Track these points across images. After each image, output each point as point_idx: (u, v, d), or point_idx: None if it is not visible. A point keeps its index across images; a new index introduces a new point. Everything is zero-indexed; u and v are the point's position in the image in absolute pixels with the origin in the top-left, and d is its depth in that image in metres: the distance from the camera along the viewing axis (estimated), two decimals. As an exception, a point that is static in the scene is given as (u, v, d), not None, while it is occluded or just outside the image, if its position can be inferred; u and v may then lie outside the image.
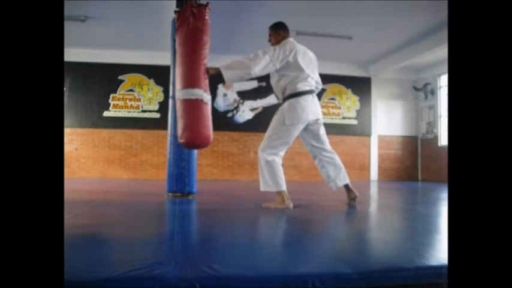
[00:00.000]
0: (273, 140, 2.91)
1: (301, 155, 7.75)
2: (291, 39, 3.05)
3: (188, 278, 1.14)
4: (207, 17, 2.90)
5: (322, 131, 3.06)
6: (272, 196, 2.99)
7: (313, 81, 3.01)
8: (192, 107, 2.78)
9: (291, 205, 2.90)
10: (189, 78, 2.81)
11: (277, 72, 2.96)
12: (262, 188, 2.93)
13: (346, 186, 3.11)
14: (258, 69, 2.79)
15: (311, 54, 3.11)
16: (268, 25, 3.18)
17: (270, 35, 3.11)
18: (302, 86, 2.90)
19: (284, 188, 2.91)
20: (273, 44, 3.03)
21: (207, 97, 2.83)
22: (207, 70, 2.87)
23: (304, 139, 3.08)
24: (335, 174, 3.06)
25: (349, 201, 3.12)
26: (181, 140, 2.81)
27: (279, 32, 3.06)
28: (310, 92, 2.95)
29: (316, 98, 3.04)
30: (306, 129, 2.99)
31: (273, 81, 3.09)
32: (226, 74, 2.84)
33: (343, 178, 3.07)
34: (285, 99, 2.95)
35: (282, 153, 2.95)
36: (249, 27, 5.79)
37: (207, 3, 2.95)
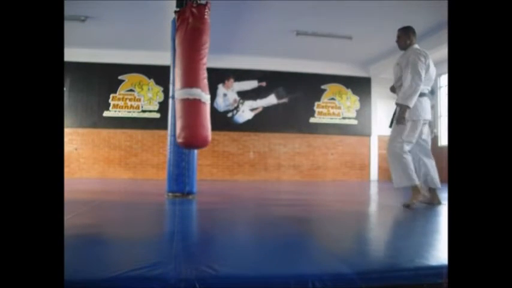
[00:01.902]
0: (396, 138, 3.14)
1: (301, 155, 7.77)
2: (416, 45, 3.26)
3: (188, 278, 1.14)
4: (206, 17, 2.90)
5: (428, 135, 3.28)
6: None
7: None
8: (190, 106, 2.78)
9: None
10: (188, 78, 2.81)
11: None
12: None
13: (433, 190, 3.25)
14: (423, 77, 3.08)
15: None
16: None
17: (398, 37, 3.32)
18: (423, 88, 3.14)
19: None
20: (401, 47, 3.30)
21: (205, 97, 2.82)
22: (403, 120, 3.04)
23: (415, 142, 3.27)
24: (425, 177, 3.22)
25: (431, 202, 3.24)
26: (179, 140, 2.81)
27: (409, 35, 3.26)
28: (425, 94, 3.19)
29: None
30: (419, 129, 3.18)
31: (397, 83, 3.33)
32: (412, 104, 3.03)
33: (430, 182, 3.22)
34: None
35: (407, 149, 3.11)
36: (249, 27, 5.79)
37: (206, 3, 2.95)
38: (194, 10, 2.87)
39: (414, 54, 3.10)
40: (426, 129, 3.22)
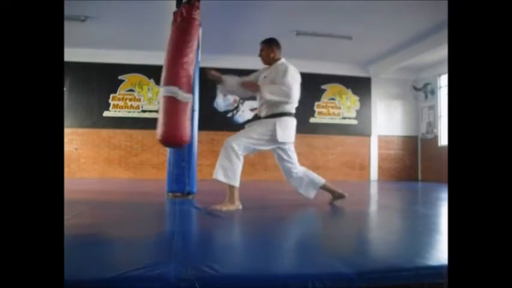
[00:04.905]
0: (250, 139, 2.94)
1: (301, 155, 7.74)
2: (284, 60, 3.10)
3: (188, 278, 1.14)
4: (194, 17, 2.91)
5: (292, 151, 3.10)
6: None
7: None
8: (167, 104, 2.80)
9: (240, 206, 2.91)
10: (167, 75, 2.84)
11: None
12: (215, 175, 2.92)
13: (324, 186, 3.18)
14: (296, 96, 2.93)
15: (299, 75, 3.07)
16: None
17: (261, 50, 3.13)
18: (292, 108, 3.00)
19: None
20: (264, 61, 3.11)
21: (182, 95, 2.79)
22: (251, 86, 2.96)
23: (279, 158, 3.13)
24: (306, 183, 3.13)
25: (334, 198, 3.19)
26: (157, 137, 2.84)
27: (272, 49, 3.09)
28: (293, 114, 3.02)
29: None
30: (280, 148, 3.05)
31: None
32: (268, 97, 2.88)
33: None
34: (277, 115, 2.95)
35: (245, 152, 2.97)
36: (249, 27, 5.79)
37: (194, 3, 2.95)
38: (183, 10, 2.90)
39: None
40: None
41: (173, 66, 2.84)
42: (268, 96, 2.87)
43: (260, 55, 3.13)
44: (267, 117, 2.98)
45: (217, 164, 2.94)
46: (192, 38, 2.90)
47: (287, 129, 2.94)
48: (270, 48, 3.09)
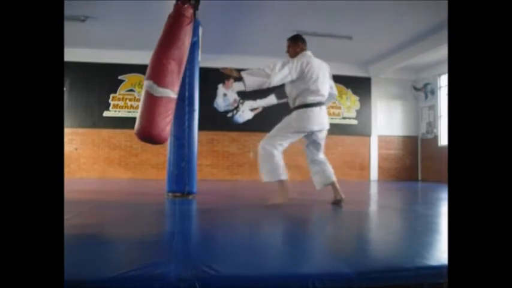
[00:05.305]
0: (276, 137, 3.11)
1: (301, 155, 7.74)
2: (308, 53, 3.19)
3: (188, 278, 1.14)
4: (184, 13, 2.95)
5: (322, 139, 3.21)
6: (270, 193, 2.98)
7: (325, 92, 3.18)
8: (144, 98, 2.86)
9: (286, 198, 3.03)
10: (147, 70, 2.90)
11: (290, 83, 3.11)
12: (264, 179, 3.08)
13: (333, 185, 3.21)
14: (277, 80, 2.98)
15: (325, 66, 3.24)
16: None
17: (288, 46, 3.27)
18: (311, 99, 3.08)
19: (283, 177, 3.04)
20: (291, 55, 3.21)
21: (156, 89, 2.79)
22: (229, 71, 3.00)
23: (306, 144, 3.28)
24: (320, 175, 3.23)
25: (335, 201, 3.20)
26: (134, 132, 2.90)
27: (297, 43, 3.23)
28: (318, 104, 3.12)
29: (324, 108, 3.18)
30: (308, 136, 3.16)
31: (287, 89, 3.23)
32: (247, 80, 2.98)
33: (325, 179, 3.21)
34: (295, 108, 3.13)
35: (281, 148, 3.09)
36: (249, 27, 5.79)
37: (187, 1, 2.98)
38: (174, 8, 2.97)
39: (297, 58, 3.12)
40: (322, 138, 3.20)
41: (152, 61, 2.88)
42: (247, 79, 2.96)
43: (287, 51, 3.28)
44: (291, 110, 3.18)
45: (259, 169, 3.11)
46: (178, 35, 2.92)
47: (303, 119, 3.06)
48: (295, 44, 3.23)
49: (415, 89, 8.33)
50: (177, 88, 2.95)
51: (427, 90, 8.11)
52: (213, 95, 7.41)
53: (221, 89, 7.57)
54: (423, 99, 8.21)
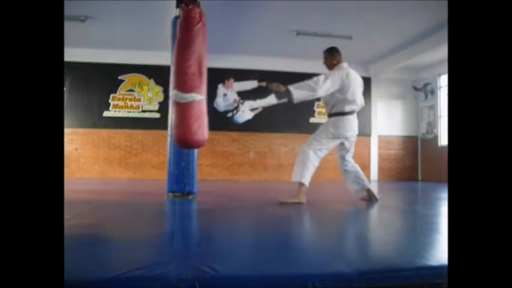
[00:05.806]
0: (315, 141, 3.28)
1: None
2: (345, 65, 3.41)
3: (188, 278, 1.14)
4: (194, 16, 2.95)
5: (352, 144, 3.40)
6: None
7: (359, 102, 3.40)
8: (173, 107, 2.99)
9: (304, 200, 3.14)
10: (172, 79, 2.99)
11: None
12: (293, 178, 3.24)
13: (368, 191, 3.41)
14: (321, 92, 3.18)
15: (359, 78, 3.47)
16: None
17: (325, 58, 3.48)
18: (348, 107, 3.29)
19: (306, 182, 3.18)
20: (328, 67, 3.43)
21: (181, 96, 2.84)
22: (276, 86, 3.20)
23: (338, 149, 3.44)
24: (356, 184, 3.40)
25: (366, 200, 3.40)
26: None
27: (334, 56, 3.44)
28: (352, 112, 3.35)
29: (355, 116, 3.40)
30: (341, 142, 3.36)
31: (325, 98, 3.38)
32: (295, 93, 3.15)
33: (361, 187, 3.39)
34: (332, 115, 3.34)
35: (320, 154, 3.25)
36: (249, 27, 5.78)
37: (190, 3, 2.97)
38: (181, 12, 2.97)
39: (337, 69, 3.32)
40: (351, 144, 3.39)
41: (174, 69, 2.96)
42: (295, 93, 3.13)
43: (324, 63, 3.48)
44: (328, 117, 3.41)
45: (294, 168, 3.26)
46: (190, 37, 2.91)
47: (338, 127, 3.26)
48: (332, 56, 3.44)
49: (415, 89, 8.33)
50: (202, 88, 2.97)
51: (427, 90, 8.11)
52: (213, 95, 7.40)
53: (221, 89, 7.57)
54: (423, 99, 8.21)
